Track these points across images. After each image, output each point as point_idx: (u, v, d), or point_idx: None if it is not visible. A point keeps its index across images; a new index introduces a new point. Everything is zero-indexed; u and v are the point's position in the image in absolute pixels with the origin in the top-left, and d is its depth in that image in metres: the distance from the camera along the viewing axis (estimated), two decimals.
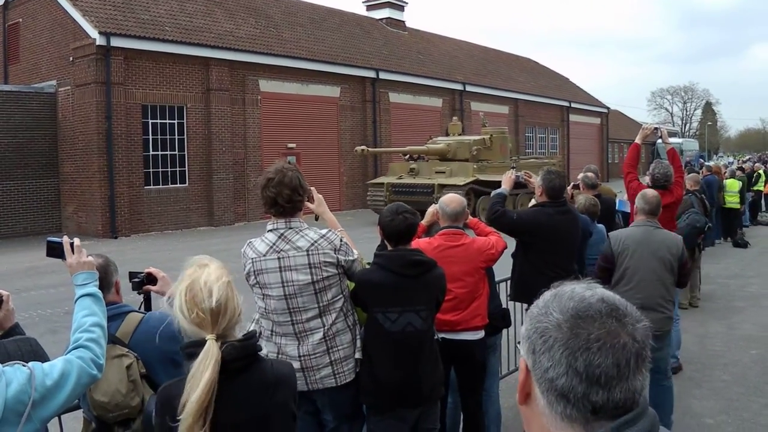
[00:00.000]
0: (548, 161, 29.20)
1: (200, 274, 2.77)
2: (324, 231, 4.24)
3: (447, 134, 29.09)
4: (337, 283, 4.24)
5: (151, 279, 3.91)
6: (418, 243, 5.12)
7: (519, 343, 1.56)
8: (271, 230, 4.22)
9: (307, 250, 4.13)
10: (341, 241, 4.25)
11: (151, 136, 25.29)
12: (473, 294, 5.40)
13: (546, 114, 51.46)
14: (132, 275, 3.93)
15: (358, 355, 4.36)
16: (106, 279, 3.64)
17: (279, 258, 4.13)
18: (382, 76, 35.17)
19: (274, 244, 4.17)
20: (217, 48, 27.03)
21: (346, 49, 34.77)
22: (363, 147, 23.25)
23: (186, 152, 26.37)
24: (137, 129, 24.69)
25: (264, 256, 4.17)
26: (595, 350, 1.40)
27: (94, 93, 23.66)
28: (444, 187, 23.32)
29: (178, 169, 26.21)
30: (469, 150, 26.30)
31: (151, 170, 25.32)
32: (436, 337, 4.70)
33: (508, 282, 6.81)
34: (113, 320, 3.55)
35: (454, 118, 29.81)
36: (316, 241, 4.15)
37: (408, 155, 27.37)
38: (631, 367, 1.41)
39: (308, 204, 4.40)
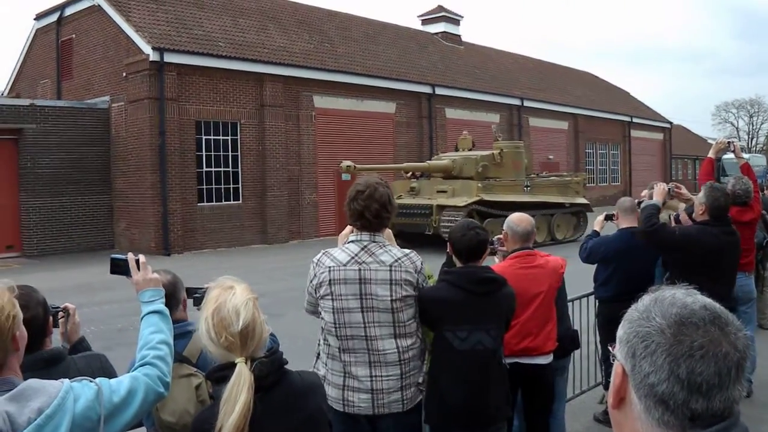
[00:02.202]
0: (570, 179, 27.81)
1: (226, 296, 2.79)
2: (407, 251, 4.30)
3: (456, 149, 27.35)
4: (413, 304, 4.26)
5: None
6: (495, 267, 5.15)
7: (611, 347, 1.58)
8: (353, 241, 4.25)
9: (390, 266, 4.16)
10: (421, 264, 4.31)
11: (204, 153, 25.42)
12: (547, 317, 5.41)
13: (606, 129, 50.77)
14: (190, 291, 3.93)
15: (422, 378, 4.38)
16: (174, 296, 3.66)
17: (360, 269, 4.14)
18: (438, 91, 35.02)
19: (356, 255, 4.19)
20: (270, 63, 27.12)
21: (401, 64, 34.74)
22: (349, 163, 19.77)
23: (240, 169, 26.45)
24: (191, 145, 24.85)
25: (344, 265, 4.17)
26: (698, 358, 1.42)
27: (147, 109, 23.86)
28: (443, 209, 22.38)
29: (231, 186, 26.30)
30: (475, 167, 24.14)
31: (204, 187, 25.43)
32: (504, 362, 4.69)
33: (581, 301, 6.72)
34: (180, 338, 3.56)
35: (465, 131, 28.36)
36: (399, 259, 4.21)
37: (410, 172, 25.67)
38: (732, 377, 1.44)
39: None
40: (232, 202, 26.31)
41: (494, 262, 5.64)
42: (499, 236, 5.70)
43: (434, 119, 34.99)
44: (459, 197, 22.87)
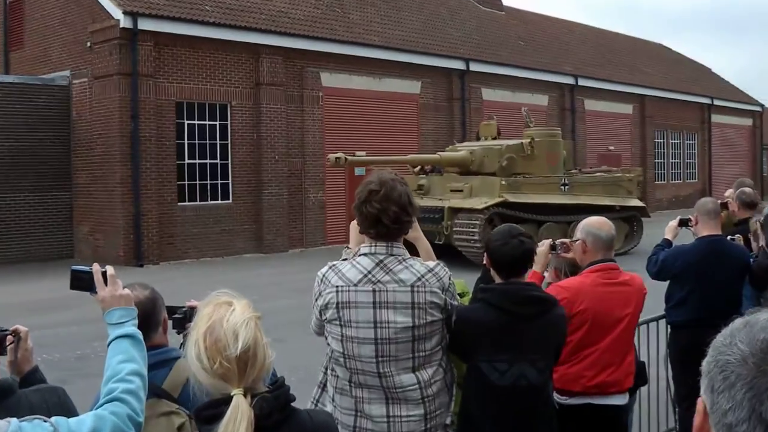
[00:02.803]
0: (621, 175, 27.71)
1: (222, 314, 2.78)
2: (432, 264, 4.27)
3: (477, 138, 27.35)
4: (440, 330, 4.24)
5: (193, 314, 3.88)
6: (571, 282, 5.39)
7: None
8: (366, 254, 4.22)
9: (412, 286, 4.13)
10: (450, 279, 4.28)
11: (186, 141, 25.54)
12: (628, 346, 5.50)
13: (681, 114, 50.54)
14: (170, 311, 3.92)
15: (451, 419, 4.38)
16: (151, 316, 3.67)
17: (375, 291, 4.11)
18: (473, 67, 35.02)
19: (369, 272, 4.16)
20: (268, 33, 27.21)
21: (428, 35, 34.75)
22: (339, 155, 20.58)
23: (230, 161, 26.56)
24: (170, 132, 24.97)
25: (355, 285, 4.14)
26: None
27: (117, 87, 23.97)
28: (457, 212, 22.37)
29: (219, 181, 26.41)
30: (499, 159, 23.94)
31: (186, 183, 25.53)
32: (554, 401, 4.75)
33: (648, 327, 6.70)
34: (159, 368, 3.57)
35: (490, 116, 28.44)
36: (423, 276, 4.17)
37: (418, 167, 25.55)
38: None
39: None
40: (220, 201, 26.42)
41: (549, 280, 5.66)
42: (563, 240, 5.72)
43: (468, 101, 35.00)
44: (477, 198, 22.67)
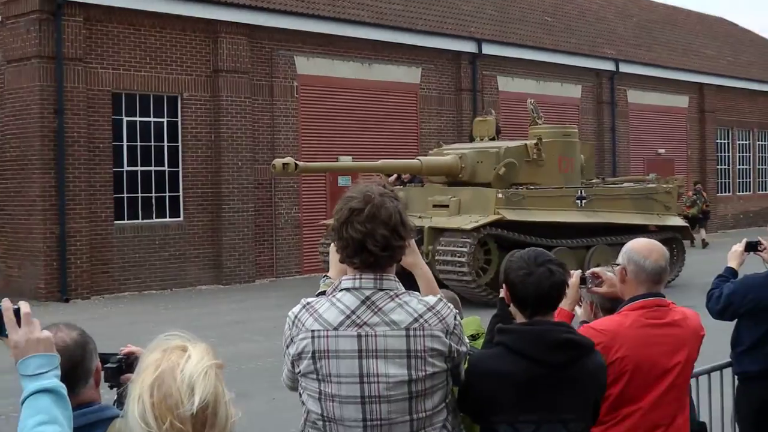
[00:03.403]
0: (655, 186, 27.19)
1: (174, 362, 2.77)
2: (433, 300, 4.22)
3: (471, 139, 27.00)
4: (443, 385, 4.20)
5: (131, 363, 3.87)
6: (606, 323, 5.29)
7: None
8: (348, 289, 4.16)
9: (408, 329, 4.08)
10: (455, 318, 4.23)
11: (126, 143, 25.51)
12: (681, 402, 5.43)
13: (752, 107, 50.70)
14: (103, 359, 3.90)
15: None
16: (81, 365, 3.64)
17: (360, 336, 4.06)
18: (487, 50, 35.23)
19: (353, 312, 4.10)
20: (229, 6, 27.22)
21: (431, 10, 34.84)
22: (287, 160, 20.01)
23: (180, 169, 26.62)
24: (104, 130, 24.92)
25: (335, 329, 4.08)
26: None
27: (36, 73, 23.92)
28: (441, 233, 22.23)
29: (168, 194, 26.42)
30: (495, 166, 23.49)
31: (125, 196, 25.51)
32: None
33: (709, 377, 6.68)
34: (90, 430, 3.50)
35: (485, 112, 28.43)
36: (422, 315, 4.11)
37: (395, 176, 25.54)
38: None
39: None
40: (168, 219, 26.47)
41: (579, 319, 5.64)
42: (595, 271, 5.70)
43: (481, 93, 35.20)
44: (467, 215, 22.44)
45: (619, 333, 5.03)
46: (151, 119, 26.16)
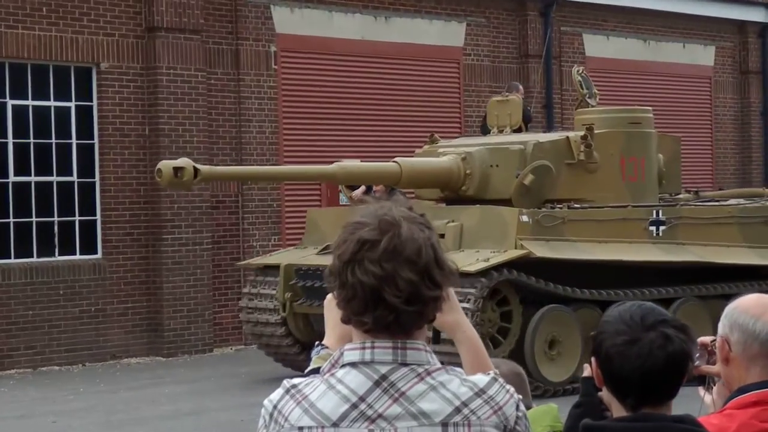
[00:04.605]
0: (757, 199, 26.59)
1: None
2: (481, 380, 4.05)
3: (484, 131, 26.63)
4: None
5: None
6: (711, 423, 4.99)
7: None
8: (354, 363, 4.01)
9: (446, 424, 3.91)
10: (518, 407, 4.06)
11: (11, 139, 25.86)
12: None
13: None
14: None
15: None
16: None
17: None
18: None
19: (361, 399, 3.94)
20: None
21: None
22: (180, 162, 19.93)
23: (97, 178, 26.95)
24: None
25: (335, 425, 3.94)
26: None
27: None
28: None
29: (77, 218, 26.73)
30: (519, 171, 22.99)
31: (11, 221, 25.79)
32: None
33: None
34: None
35: (507, 87, 27.58)
36: (465, 404, 3.94)
37: (362, 187, 25.77)
38: None
39: None
40: (78, 257, 26.77)
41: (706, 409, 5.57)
42: (703, 340, 5.50)
43: (558, 60, 35.72)
44: (473, 249, 21.95)
45: None
46: (51, 103, 26.52)
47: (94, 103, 26.74)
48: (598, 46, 36.57)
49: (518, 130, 24.93)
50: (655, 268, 22.97)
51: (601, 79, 35.52)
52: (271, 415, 4.04)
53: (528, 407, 6.65)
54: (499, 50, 34.22)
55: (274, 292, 23.37)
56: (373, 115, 31.15)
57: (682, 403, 5.03)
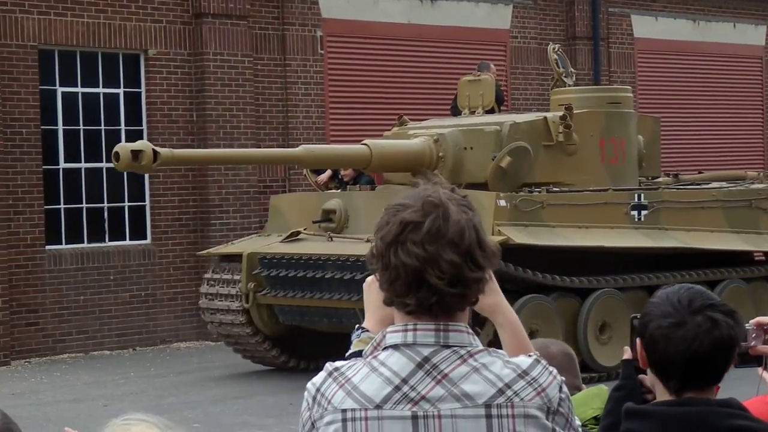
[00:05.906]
0: (763, 188, 25.60)
1: None
2: (524, 362, 4.09)
3: (454, 111, 26.06)
4: None
5: None
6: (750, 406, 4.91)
7: None
8: (397, 345, 4.05)
9: (489, 406, 3.95)
10: (561, 389, 4.10)
11: (61, 126, 25.92)
12: None
13: None
14: None
15: None
16: None
17: (416, 417, 3.96)
18: None
19: (404, 381, 3.98)
20: None
21: None
22: (140, 144, 19.40)
23: None
24: (28, 107, 25.25)
25: (378, 407, 3.98)
26: None
27: None
28: None
29: (127, 204, 26.89)
30: (495, 154, 22.37)
31: (62, 207, 25.92)
32: None
33: None
34: None
35: (479, 68, 26.32)
36: (508, 385, 3.98)
37: (328, 172, 25.64)
38: None
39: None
40: (128, 242, 26.93)
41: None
42: (761, 320, 5.32)
43: (606, 41, 35.47)
44: None
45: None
46: (100, 90, 26.58)
47: (143, 89, 26.82)
48: (646, 27, 36.32)
49: (491, 111, 24.49)
50: (636, 254, 22.68)
51: (649, 61, 35.56)
52: (314, 398, 4.08)
53: (578, 388, 6.70)
54: (546, 32, 34.01)
55: (237, 277, 22.77)
56: (419, 99, 31.01)
57: (741, 386, 5.10)
